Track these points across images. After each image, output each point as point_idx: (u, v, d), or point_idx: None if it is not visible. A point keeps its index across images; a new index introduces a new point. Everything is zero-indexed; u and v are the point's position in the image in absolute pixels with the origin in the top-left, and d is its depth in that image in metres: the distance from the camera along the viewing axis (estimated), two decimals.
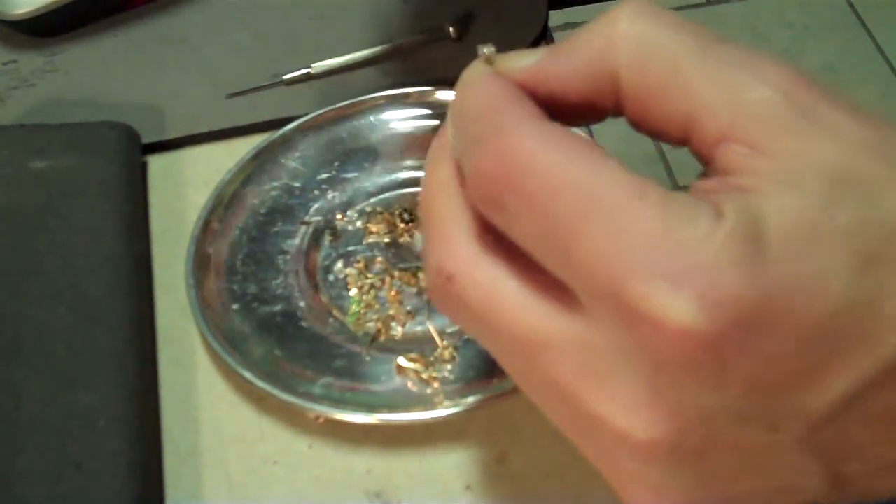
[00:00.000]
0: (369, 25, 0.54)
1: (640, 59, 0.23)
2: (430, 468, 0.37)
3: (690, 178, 0.24)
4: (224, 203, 0.44)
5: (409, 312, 0.41)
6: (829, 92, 0.22)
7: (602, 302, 0.21)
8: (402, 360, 0.39)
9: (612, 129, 0.32)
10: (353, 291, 0.42)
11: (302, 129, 0.47)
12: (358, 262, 0.43)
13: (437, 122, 0.47)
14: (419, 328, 0.41)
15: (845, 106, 0.22)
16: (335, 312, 0.41)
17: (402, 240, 0.44)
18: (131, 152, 0.46)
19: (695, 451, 0.21)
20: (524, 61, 0.25)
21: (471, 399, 0.37)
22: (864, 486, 0.23)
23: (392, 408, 0.37)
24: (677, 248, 0.20)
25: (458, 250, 0.24)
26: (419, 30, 0.52)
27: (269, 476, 0.37)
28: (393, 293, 0.42)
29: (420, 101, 0.48)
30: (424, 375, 0.38)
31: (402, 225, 0.44)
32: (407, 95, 0.48)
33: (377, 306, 0.41)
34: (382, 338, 0.40)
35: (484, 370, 0.38)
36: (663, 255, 0.20)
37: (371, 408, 0.37)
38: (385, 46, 0.52)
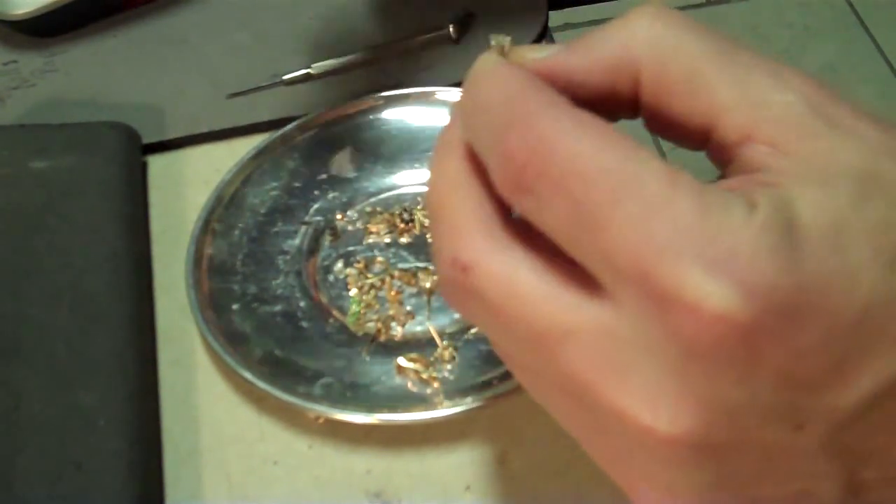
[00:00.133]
0: (369, 25, 0.54)
1: (662, 58, 0.23)
2: (430, 468, 0.37)
3: None
4: (224, 203, 0.44)
5: (409, 312, 0.41)
6: (845, 99, 0.23)
7: (632, 288, 0.20)
8: (402, 360, 0.39)
9: None
10: (353, 291, 0.42)
11: (302, 129, 0.47)
12: (358, 262, 0.43)
13: (437, 122, 0.47)
14: (419, 328, 0.41)
15: (862, 112, 0.22)
16: (335, 312, 0.41)
17: (402, 240, 0.44)
18: (131, 152, 0.46)
19: (717, 449, 0.21)
20: (539, 53, 0.25)
21: (471, 399, 0.37)
22: (877, 496, 0.23)
23: (392, 408, 0.37)
24: (713, 235, 0.20)
25: (473, 240, 0.23)
26: (419, 30, 0.52)
27: (269, 476, 0.37)
28: (393, 293, 0.42)
29: (420, 101, 0.48)
30: (424, 375, 0.38)
31: (402, 225, 0.44)
32: (407, 95, 0.48)
33: (377, 306, 0.41)
34: (382, 338, 0.40)
35: (484, 370, 0.38)
36: (699, 241, 0.20)
37: (371, 408, 0.37)
38: (385, 46, 0.52)
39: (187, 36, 0.54)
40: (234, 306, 0.41)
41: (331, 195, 0.45)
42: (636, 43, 0.24)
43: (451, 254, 0.23)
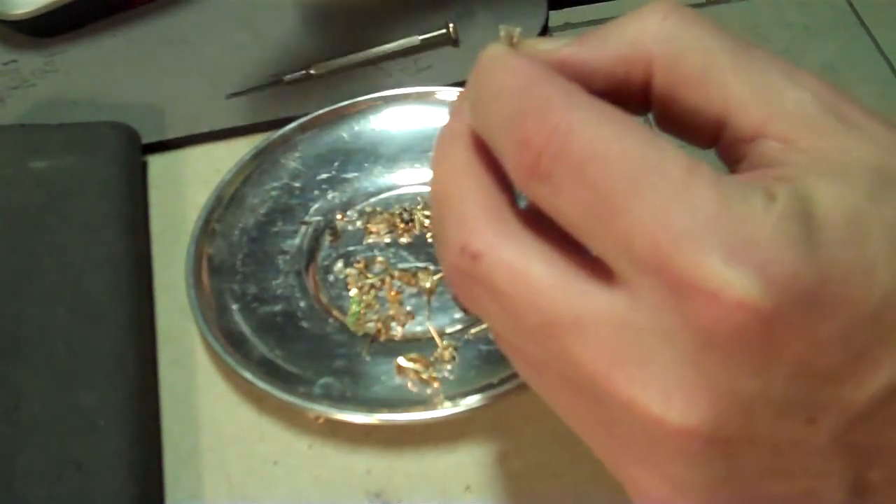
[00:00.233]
0: (369, 25, 0.54)
1: (676, 52, 0.23)
2: (430, 468, 0.37)
3: None
4: (224, 203, 0.44)
5: (409, 312, 0.41)
6: (854, 99, 0.23)
7: (649, 276, 0.20)
8: (402, 360, 0.39)
9: None
10: (353, 291, 0.42)
11: (302, 129, 0.47)
12: (358, 262, 0.43)
13: (437, 122, 0.47)
14: (419, 328, 0.41)
15: (871, 112, 0.22)
16: (335, 312, 0.41)
17: (402, 240, 0.44)
18: (131, 152, 0.46)
19: (728, 442, 0.21)
20: (549, 45, 0.25)
21: (471, 399, 0.37)
22: (881, 497, 0.23)
23: (392, 408, 0.37)
24: (733, 223, 0.20)
25: (483, 228, 0.23)
26: (419, 30, 0.52)
27: (269, 476, 0.37)
28: (393, 293, 0.42)
29: (420, 101, 0.48)
30: (424, 375, 0.38)
31: (402, 225, 0.44)
32: (407, 95, 0.48)
33: (377, 306, 0.41)
34: (382, 338, 0.40)
35: (484, 370, 0.38)
36: (719, 230, 0.19)
37: (371, 408, 0.37)
38: (385, 46, 0.52)
39: (187, 36, 0.54)
40: (234, 306, 0.41)
41: (331, 195, 0.45)
42: (649, 36, 0.24)
43: (460, 242, 0.23)
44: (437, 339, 0.40)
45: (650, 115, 0.26)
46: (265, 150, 0.46)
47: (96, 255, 0.41)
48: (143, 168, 0.48)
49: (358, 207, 0.45)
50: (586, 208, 0.21)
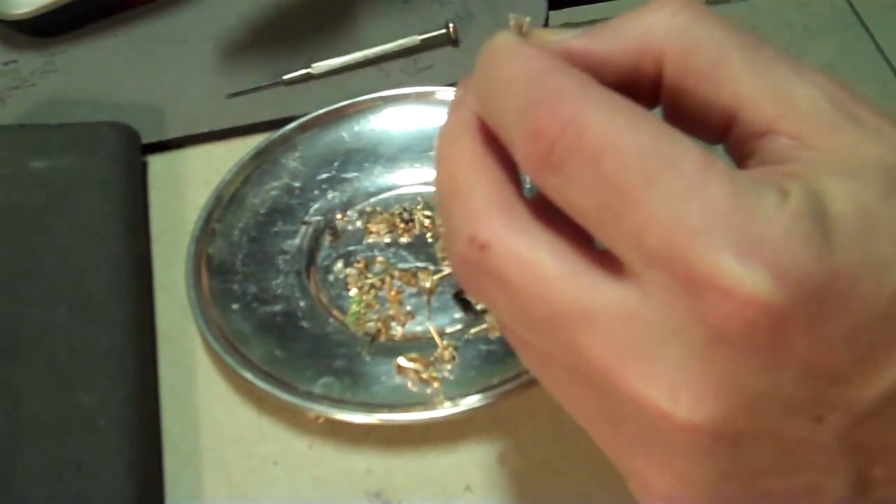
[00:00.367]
0: (369, 25, 0.54)
1: (687, 46, 0.23)
2: (430, 468, 0.37)
3: None
4: (224, 203, 0.44)
5: (409, 312, 0.41)
6: (864, 98, 0.23)
7: (660, 270, 0.20)
8: (402, 360, 0.39)
9: None
10: (353, 291, 0.42)
11: (302, 129, 0.47)
12: (358, 262, 0.43)
13: (437, 122, 0.47)
14: (419, 328, 0.41)
15: (880, 111, 0.22)
16: (335, 312, 0.41)
17: (402, 240, 0.44)
18: (131, 152, 0.46)
19: (735, 438, 0.21)
20: (559, 36, 0.25)
21: (471, 399, 0.37)
22: (883, 493, 0.23)
23: (392, 408, 0.37)
24: (746, 220, 0.19)
25: (491, 218, 0.23)
26: (419, 30, 0.52)
27: (269, 476, 0.37)
28: (393, 293, 0.42)
29: (420, 101, 0.48)
30: (424, 375, 0.38)
31: (402, 225, 0.44)
32: (407, 95, 0.48)
33: (377, 306, 0.41)
34: (382, 338, 0.40)
35: (484, 370, 0.38)
36: (732, 226, 0.19)
37: (371, 408, 0.37)
38: (385, 46, 0.52)
39: (187, 36, 0.54)
40: (234, 306, 0.41)
41: (331, 195, 0.45)
42: (660, 30, 0.24)
43: (468, 232, 0.23)
44: (437, 339, 0.40)
45: (658, 110, 0.26)
46: (265, 150, 0.46)
47: (96, 255, 0.41)
48: (143, 168, 0.48)
49: (358, 207, 0.45)
50: (598, 201, 0.21)
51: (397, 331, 0.41)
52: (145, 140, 0.48)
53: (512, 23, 0.25)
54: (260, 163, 0.46)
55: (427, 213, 0.45)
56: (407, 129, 0.47)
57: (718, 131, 0.24)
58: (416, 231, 0.44)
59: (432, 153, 0.46)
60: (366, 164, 0.46)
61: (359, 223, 0.45)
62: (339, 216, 0.45)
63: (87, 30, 0.54)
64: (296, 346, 0.40)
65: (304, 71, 0.51)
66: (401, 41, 0.52)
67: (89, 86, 0.51)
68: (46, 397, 0.37)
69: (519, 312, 0.23)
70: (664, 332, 0.20)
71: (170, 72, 0.52)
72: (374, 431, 0.38)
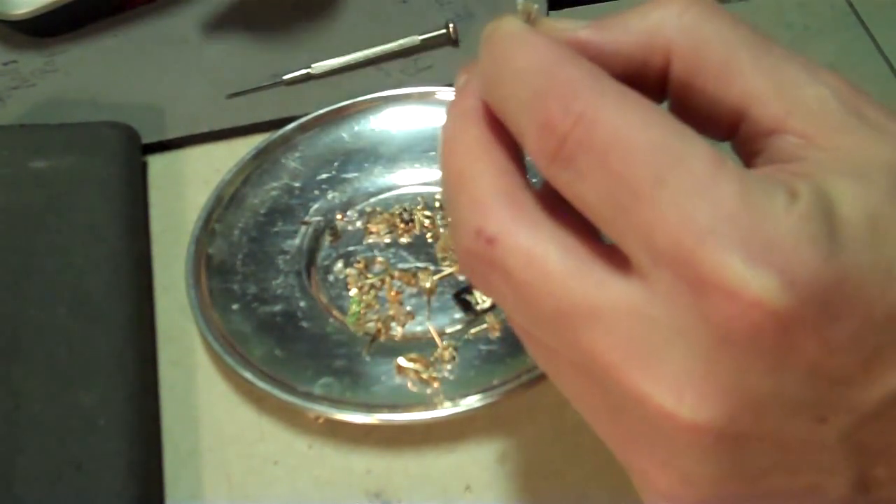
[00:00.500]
0: (369, 25, 0.54)
1: (696, 42, 0.23)
2: (430, 468, 0.37)
3: None
4: (224, 203, 0.44)
5: (409, 312, 0.41)
6: (872, 98, 0.23)
7: (668, 269, 0.20)
8: (402, 360, 0.39)
9: None
10: (353, 291, 0.42)
11: (302, 129, 0.47)
12: (358, 262, 0.43)
13: (437, 122, 0.47)
14: (419, 328, 0.41)
15: (889, 111, 0.22)
16: (335, 312, 0.41)
17: (402, 240, 0.44)
18: (131, 152, 0.46)
19: (738, 439, 0.21)
20: (567, 26, 0.24)
21: (471, 399, 0.37)
22: (885, 493, 0.23)
23: (392, 408, 0.37)
24: (756, 222, 0.19)
25: (498, 211, 0.22)
26: (419, 30, 0.52)
27: (269, 476, 0.37)
28: (393, 293, 0.42)
29: (420, 101, 0.48)
30: (424, 375, 0.38)
31: (402, 225, 0.44)
32: (407, 95, 0.48)
33: (377, 306, 0.41)
34: (382, 338, 0.40)
35: (484, 370, 0.38)
36: (741, 227, 0.19)
37: (371, 408, 0.37)
38: (385, 46, 0.52)
39: (187, 36, 0.54)
40: (234, 306, 0.41)
41: (331, 195, 0.45)
42: (670, 25, 0.24)
43: (475, 225, 0.22)
44: (437, 339, 0.40)
45: (664, 105, 0.26)
46: (265, 150, 0.46)
47: (96, 255, 0.41)
48: (143, 168, 0.48)
49: (358, 207, 0.45)
50: (608, 197, 0.21)
51: (397, 331, 0.41)
52: (145, 140, 0.48)
53: (520, 7, 0.24)
54: (260, 163, 0.46)
55: (427, 213, 0.45)
56: (407, 129, 0.47)
57: (726, 128, 0.24)
58: (416, 231, 0.44)
59: (432, 153, 0.46)
60: (366, 164, 0.46)
61: (359, 223, 0.45)
62: (339, 216, 0.45)
63: (87, 30, 0.54)
64: (296, 346, 0.40)
65: (304, 71, 0.51)
66: (401, 41, 0.52)
67: (89, 86, 0.51)
68: (46, 397, 0.37)
69: (525, 307, 0.23)
70: (670, 332, 0.20)
71: (170, 72, 0.52)
72: (374, 431, 0.38)
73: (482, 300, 0.41)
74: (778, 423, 0.21)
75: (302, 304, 0.42)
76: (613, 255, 0.21)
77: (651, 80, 0.24)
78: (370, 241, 0.44)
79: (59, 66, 0.52)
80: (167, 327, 0.42)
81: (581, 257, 0.22)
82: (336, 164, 0.46)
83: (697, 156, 0.20)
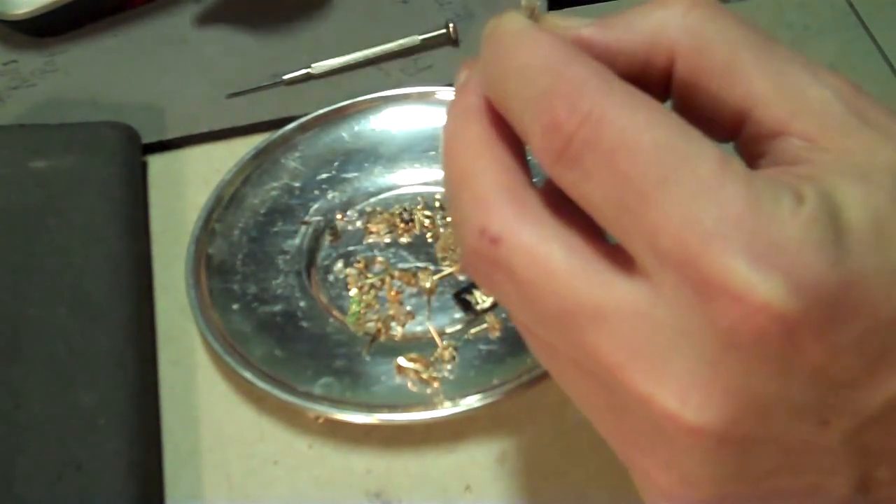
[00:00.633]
0: (369, 25, 0.54)
1: (700, 43, 0.23)
2: (430, 468, 0.37)
3: None
4: (224, 203, 0.44)
5: (409, 312, 0.41)
6: (875, 99, 0.23)
7: (673, 271, 0.20)
8: (402, 360, 0.39)
9: None
10: (353, 291, 0.42)
11: (302, 129, 0.47)
12: (358, 262, 0.43)
13: (437, 122, 0.47)
14: (419, 328, 0.41)
15: (891, 112, 0.22)
16: (335, 312, 0.41)
17: (402, 240, 0.44)
18: (131, 152, 0.46)
19: (741, 441, 0.21)
20: (571, 23, 0.24)
21: (471, 399, 0.37)
22: (887, 493, 0.23)
23: (392, 408, 0.37)
24: (762, 225, 0.19)
25: (503, 210, 0.22)
26: (419, 30, 0.52)
27: (269, 476, 0.37)
28: (393, 293, 0.42)
29: (420, 101, 0.48)
30: (424, 375, 0.38)
31: (402, 225, 0.44)
32: (407, 95, 0.48)
33: (377, 306, 0.41)
34: (382, 338, 0.40)
35: (484, 370, 0.38)
36: (747, 230, 0.19)
37: (371, 408, 0.37)
38: (385, 46, 0.52)
39: (187, 36, 0.54)
40: (234, 306, 0.41)
41: (331, 195, 0.45)
42: (673, 25, 0.23)
43: (479, 224, 0.22)
44: (437, 339, 0.40)
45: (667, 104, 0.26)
46: (265, 150, 0.46)
47: (96, 255, 0.41)
48: (143, 168, 0.48)
49: (358, 207, 0.45)
50: (614, 197, 0.21)
51: (397, 331, 0.41)
52: (145, 140, 0.48)
53: (524, 3, 0.24)
54: (260, 163, 0.46)
55: (427, 213, 0.45)
56: (407, 129, 0.47)
57: (729, 130, 0.24)
58: (416, 231, 0.44)
59: (432, 153, 0.46)
60: (366, 164, 0.46)
61: (359, 223, 0.45)
62: (339, 216, 0.45)
63: (87, 30, 0.54)
64: (296, 346, 0.40)
65: (304, 71, 0.51)
66: (401, 41, 0.52)
67: (89, 86, 0.51)
68: (46, 397, 0.37)
69: (528, 306, 0.22)
70: (674, 334, 0.20)
71: (170, 72, 0.52)
72: (374, 431, 0.38)
73: (482, 300, 0.41)
74: (781, 426, 0.21)
75: (302, 304, 0.41)
76: (618, 256, 0.21)
77: (653, 80, 0.24)
78: (370, 240, 0.44)
79: (59, 66, 0.52)
80: (167, 327, 0.42)
81: (586, 257, 0.21)
82: (336, 164, 0.46)
83: (704, 157, 0.20)
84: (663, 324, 0.20)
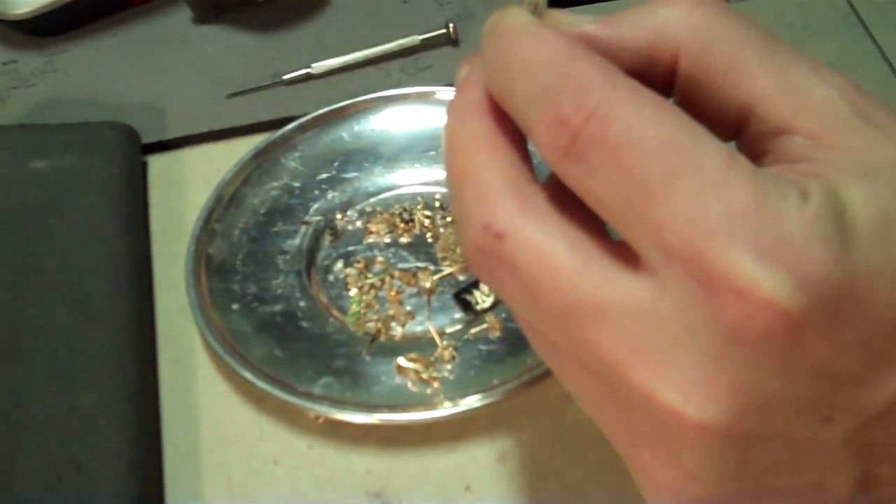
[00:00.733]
0: (369, 25, 0.54)
1: (703, 41, 0.23)
2: (430, 468, 0.37)
3: None
4: (224, 203, 0.44)
5: (409, 312, 0.41)
6: (877, 99, 0.23)
7: (678, 267, 0.20)
8: (402, 360, 0.39)
9: None
10: (353, 291, 0.42)
11: (302, 129, 0.47)
12: (358, 262, 0.43)
13: (437, 122, 0.47)
14: (419, 328, 0.41)
15: (890, 111, 0.22)
16: (335, 312, 0.41)
17: (402, 240, 0.44)
18: (131, 152, 0.46)
19: (744, 438, 0.21)
20: (574, 19, 0.24)
21: (471, 399, 0.37)
22: (888, 491, 0.23)
23: (392, 408, 0.37)
24: (768, 221, 0.19)
25: (507, 205, 0.22)
26: (419, 30, 0.52)
27: (269, 476, 0.37)
28: (393, 293, 0.42)
29: (420, 101, 0.48)
30: (424, 375, 0.38)
31: (402, 225, 0.44)
32: (407, 95, 0.48)
33: (377, 306, 0.41)
34: (382, 338, 0.40)
35: (484, 370, 0.38)
36: (753, 226, 0.19)
37: (371, 408, 0.37)
38: (385, 46, 0.52)
39: (187, 36, 0.54)
40: (234, 306, 0.41)
41: (331, 195, 0.45)
42: (677, 23, 0.23)
43: (482, 220, 0.22)
44: (437, 339, 0.40)
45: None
46: (265, 150, 0.46)
47: (96, 255, 0.41)
48: (143, 168, 0.48)
49: (358, 207, 0.45)
50: (620, 193, 0.21)
51: (397, 331, 0.41)
52: (145, 140, 0.48)
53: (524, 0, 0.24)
54: (260, 163, 0.46)
55: (427, 213, 0.45)
56: (407, 129, 0.47)
57: (732, 128, 0.24)
58: (416, 231, 0.44)
59: (432, 153, 0.46)
60: (366, 164, 0.46)
61: (359, 223, 0.45)
62: (339, 216, 0.45)
63: (86, 30, 0.54)
64: (296, 346, 0.40)
65: (304, 71, 0.51)
66: (401, 41, 0.52)
67: (89, 86, 0.51)
68: (46, 397, 0.37)
69: (531, 302, 0.22)
70: (678, 329, 0.20)
71: (169, 72, 0.52)
72: (374, 431, 0.38)
73: (482, 300, 0.41)
74: (784, 423, 0.21)
75: (302, 304, 0.42)
76: (622, 252, 0.21)
77: (657, 78, 0.24)
78: (370, 240, 0.44)
79: (59, 66, 0.52)
80: (167, 327, 0.42)
81: (589, 253, 0.21)
82: (336, 164, 0.46)
83: (709, 153, 0.20)
84: (667, 320, 0.20)
